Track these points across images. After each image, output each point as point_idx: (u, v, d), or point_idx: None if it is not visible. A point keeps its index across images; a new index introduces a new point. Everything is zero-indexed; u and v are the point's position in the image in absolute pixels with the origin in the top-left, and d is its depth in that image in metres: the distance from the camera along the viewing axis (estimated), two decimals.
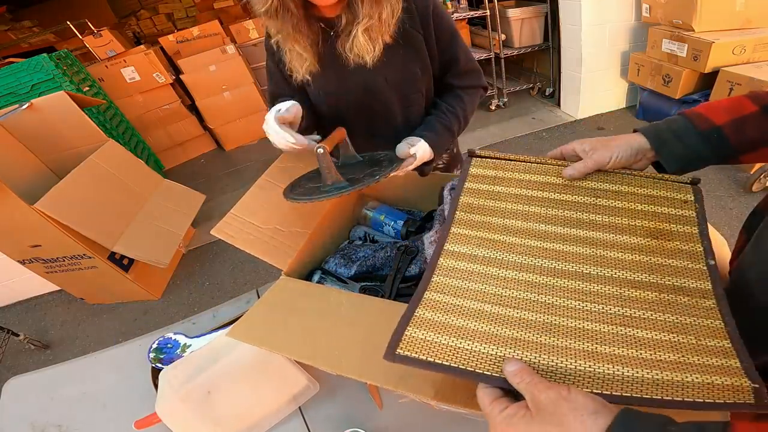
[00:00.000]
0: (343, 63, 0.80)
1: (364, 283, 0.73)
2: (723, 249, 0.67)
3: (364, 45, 0.76)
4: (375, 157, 0.79)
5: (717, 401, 0.33)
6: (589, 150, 0.54)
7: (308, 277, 0.75)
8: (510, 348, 0.40)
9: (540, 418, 0.33)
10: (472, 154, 0.62)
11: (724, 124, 0.50)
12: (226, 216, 0.77)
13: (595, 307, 0.42)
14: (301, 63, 0.81)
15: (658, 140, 0.53)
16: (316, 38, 0.80)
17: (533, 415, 0.33)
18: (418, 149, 0.79)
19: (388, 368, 0.51)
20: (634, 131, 0.56)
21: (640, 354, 0.38)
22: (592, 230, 0.50)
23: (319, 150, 0.65)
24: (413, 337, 0.41)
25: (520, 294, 0.45)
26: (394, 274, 0.72)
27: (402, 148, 0.78)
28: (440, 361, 0.39)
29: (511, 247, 0.50)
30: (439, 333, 0.42)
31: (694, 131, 0.51)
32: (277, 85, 0.90)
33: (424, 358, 0.40)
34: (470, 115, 0.92)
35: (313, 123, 0.91)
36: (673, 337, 0.39)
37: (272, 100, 0.90)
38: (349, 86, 0.85)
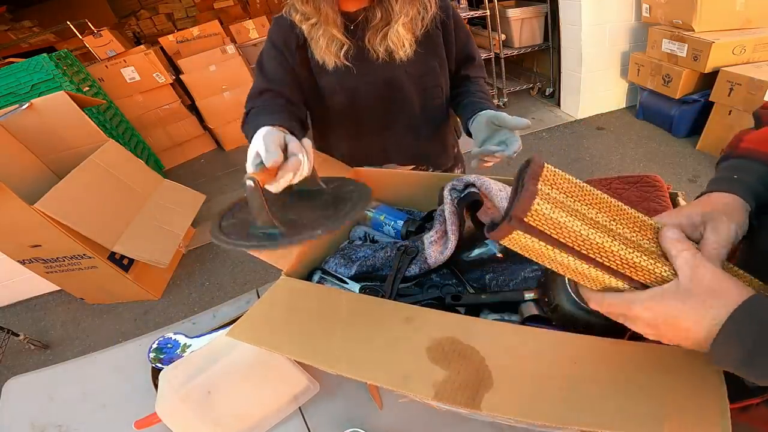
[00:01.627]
0: (366, 57, 0.81)
1: (364, 283, 0.73)
2: None
3: (398, 41, 0.78)
4: (341, 191, 0.65)
5: None
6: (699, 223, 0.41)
7: (308, 278, 0.76)
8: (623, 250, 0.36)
9: (699, 290, 0.32)
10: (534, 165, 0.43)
11: None
12: None
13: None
14: (336, 47, 0.80)
15: (756, 199, 0.43)
16: (343, 27, 0.80)
17: (688, 288, 0.32)
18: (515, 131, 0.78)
19: (389, 368, 0.51)
20: (713, 191, 0.45)
21: None
22: None
23: (248, 182, 0.49)
24: (539, 210, 0.36)
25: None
26: (395, 274, 0.72)
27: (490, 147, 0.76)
28: (568, 243, 0.35)
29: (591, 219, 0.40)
30: (564, 213, 0.36)
31: (765, 169, 0.44)
32: (271, 80, 0.83)
33: (550, 233, 0.35)
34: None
35: (304, 125, 0.87)
36: None
37: (257, 96, 0.82)
38: (370, 80, 0.85)
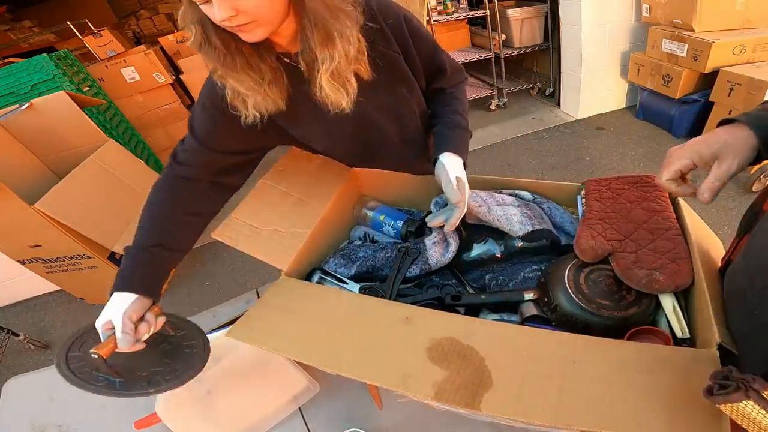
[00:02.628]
0: (323, 106, 0.69)
1: (364, 284, 0.73)
2: (719, 249, 0.67)
3: (333, 94, 0.66)
4: (184, 342, 0.68)
5: None
6: (709, 158, 0.47)
7: (308, 278, 0.76)
8: None
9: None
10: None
11: None
12: (226, 219, 0.77)
13: None
14: (261, 105, 0.67)
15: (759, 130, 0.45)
16: (279, 78, 0.67)
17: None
18: (450, 179, 0.70)
19: (389, 368, 0.51)
20: (727, 121, 0.48)
21: None
22: None
23: (93, 356, 0.57)
24: None
25: None
26: (395, 274, 0.72)
27: (436, 216, 0.71)
28: None
29: None
30: None
31: None
32: (201, 141, 0.72)
33: None
34: (467, 104, 0.89)
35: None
36: None
37: (189, 146, 0.73)
38: (337, 127, 0.75)
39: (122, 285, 0.64)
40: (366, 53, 0.68)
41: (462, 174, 0.73)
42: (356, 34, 0.64)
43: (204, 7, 0.55)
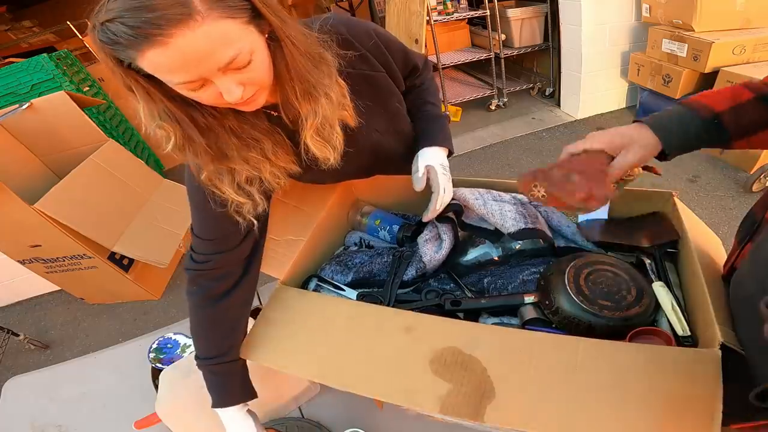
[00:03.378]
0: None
1: (362, 290, 0.73)
2: (718, 249, 0.67)
3: (320, 152, 0.62)
4: None
5: None
6: (619, 148, 0.53)
7: (304, 285, 0.75)
8: None
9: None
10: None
11: (723, 111, 0.51)
12: None
13: None
14: (275, 176, 0.61)
15: (667, 135, 0.53)
16: (278, 136, 0.62)
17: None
18: (421, 169, 0.73)
19: (393, 383, 0.51)
20: (635, 121, 0.56)
21: None
22: None
23: None
24: None
25: None
26: (392, 279, 0.72)
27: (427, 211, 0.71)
28: None
29: None
30: None
31: (698, 120, 0.52)
32: (222, 226, 0.63)
33: None
34: (436, 90, 0.88)
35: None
36: None
37: (205, 249, 0.64)
38: (346, 163, 0.68)
39: (230, 399, 0.64)
40: (349, 97, 0.64)
41: (436, 162, 0.74)
42: (335, 79, 0.60)
43: (195, 95, 0.48)
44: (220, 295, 0.65)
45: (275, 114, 0.62)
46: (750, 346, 0.43)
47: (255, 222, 0.62)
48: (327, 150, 0.62)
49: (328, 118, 0.59)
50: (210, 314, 0.65)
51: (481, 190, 0.76)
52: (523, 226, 0.70)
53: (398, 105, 0.79)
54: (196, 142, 0.53)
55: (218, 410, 0.64)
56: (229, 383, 0.65)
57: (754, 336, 0.42)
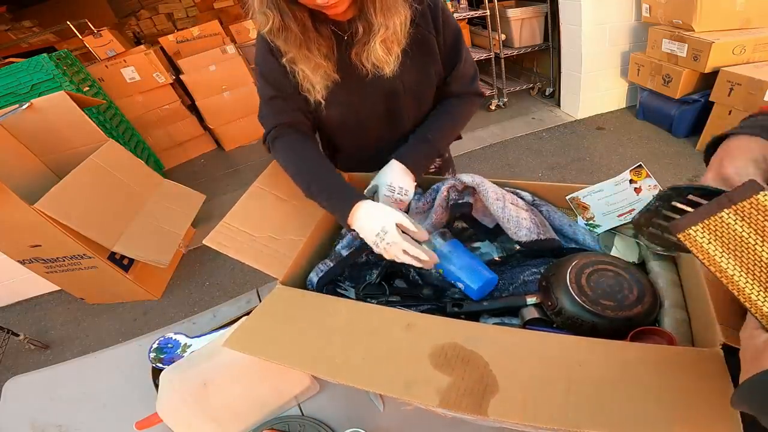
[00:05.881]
0: (359, 71, 0.77)
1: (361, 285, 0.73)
2: None
3: (382, 57, 0.73)
4: None
5: None
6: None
7: (303, 285, 0.75)
8: None
9: None
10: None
11: None
12: (218, 225, 0.75)
13: None
14: (318, 79, 0.75)
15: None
16: (330, 47, 0.75)
17: None
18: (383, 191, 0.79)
19: (391, 375, 0.50)
20: (736, 132, 0.46)
21: None
22: None
23: None
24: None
25: None
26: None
27: None
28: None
29: None
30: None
31: None
32: (281, 89, 0.80)
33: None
34: (460, 124, 0.90)
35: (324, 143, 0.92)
36: None
37: (274, 109, 0.81)
38: (366, 94, 0.82)
39: (356, 194, 0.73)
40: (408, 30, 0.74)
41: (384, 182, 0.79)
42: (406, 7, 0.72)
43: None
44: (302, 138, 0.82)
45: (335, 29, 0.76)
46: None
47: (320, 101, 0.78)
48: (389, 58, 0.74)
49: (397, 33, 0.72)
50: (301, 150, 0.80)
51: (503, 190, 0.75)
52: (536, 237, 0.70)
53: (432, 74, 0.84)
54: (291, 30, 0.68)
55: (355, 208, 0.69)
56: (347, 188, 0.74)
57: None
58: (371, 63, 0.74)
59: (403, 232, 0.66)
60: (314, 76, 0.75)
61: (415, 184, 0.82)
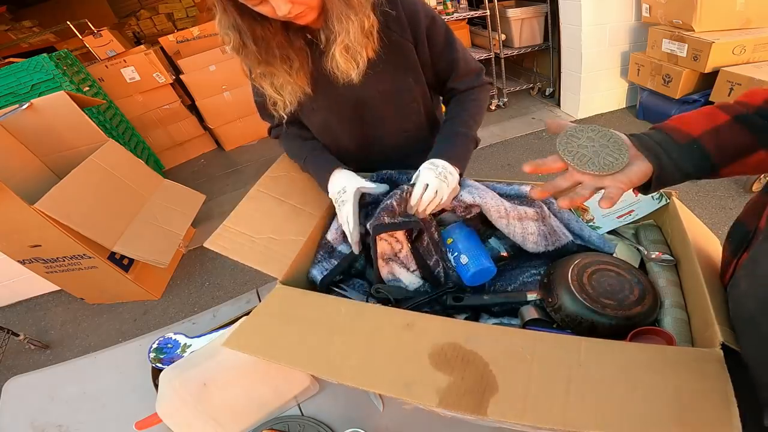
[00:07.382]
0: (333, 78, 0.76)
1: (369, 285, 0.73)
2: (718, 249, 0.67)
3: (344, 64, 0.72)
4: None
5: None
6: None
7: (305, 282, 0.75)
8: None
9: None
10: None
11: (700, 135, 0.46)
12: (218, 228, 0.76)
13: None
14: (286, 93, 0.77)
15: (656, 160, 0.47)
16: (304, 59, 0.76)
17: None
18: (421, 184, 0.70)
19: (391, 375, 0.50)
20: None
21: None
22: None
23: None
24: None
25: None
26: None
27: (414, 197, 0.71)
28: None
29: None
30: None
31: (674, 145, 0.47)
32: (264, 95, 0.82)
33: None
34: (479, 113, 0.89)
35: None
36: None
37: (265, 113, 0.89)
38: (341, 101, 0.82)
39: (334, 165, 0.81)
40: (376, 35, 0.73)
41: (432, 165, 0.72)
42: (369, 12, 0.70)
43: (259, 8, 0.64)
44: (298, 129, 0.91)
45: (310, 37, 0.76)
46: (757, 366, 0.42)
47: (284, 117, 0.82)
48: (351, 64, 0.72)
49: (358, 40, 0.70)
50: (298, 138, 0.90)
51: (507, 204, 0.71)
52: (543, 250, 0.70)
53: (412, 82, 0.83)
54: (249, 48, 0.70)
55: (332, 174, 0.78)
56: (331, 160, 0.82)
57: (761, 356, 0.41)
58: (339, 71, 0.73)
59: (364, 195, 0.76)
60: (279, 92, 0.77)
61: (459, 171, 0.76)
